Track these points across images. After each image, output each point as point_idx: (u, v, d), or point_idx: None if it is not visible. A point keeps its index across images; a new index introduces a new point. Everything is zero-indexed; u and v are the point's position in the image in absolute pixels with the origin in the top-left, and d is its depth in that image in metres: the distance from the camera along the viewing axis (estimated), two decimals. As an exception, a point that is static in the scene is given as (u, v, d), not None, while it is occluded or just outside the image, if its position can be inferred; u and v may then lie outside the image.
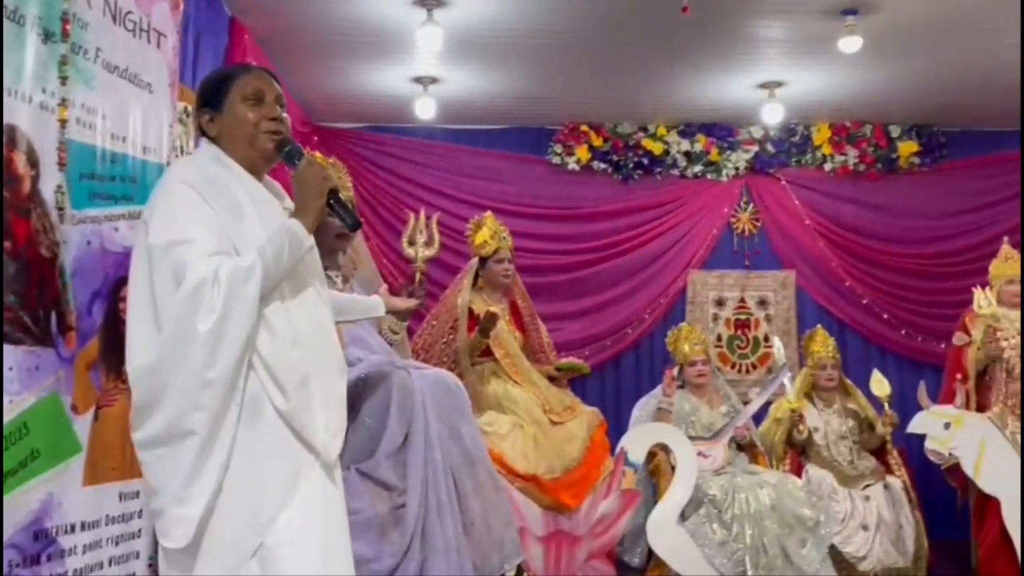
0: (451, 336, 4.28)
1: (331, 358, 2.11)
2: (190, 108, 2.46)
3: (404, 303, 2.87)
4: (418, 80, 5.71)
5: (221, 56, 4.44)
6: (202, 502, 1.87)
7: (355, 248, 3.44)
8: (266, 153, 2.12)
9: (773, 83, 5.77)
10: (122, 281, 2.29)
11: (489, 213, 4.59)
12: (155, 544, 1.92)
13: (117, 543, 2.44)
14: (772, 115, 5.95)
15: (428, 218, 3.92)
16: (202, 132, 2.15)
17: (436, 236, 3.80)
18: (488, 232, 4.44)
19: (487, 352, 4.25)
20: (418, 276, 3.51)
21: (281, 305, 2.00)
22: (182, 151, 2.84)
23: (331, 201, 2.05)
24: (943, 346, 6.35)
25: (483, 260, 4.44)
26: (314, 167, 2.08)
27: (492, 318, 4.09)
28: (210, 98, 2.14)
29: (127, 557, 2.48)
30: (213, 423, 1.88)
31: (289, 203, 2.15)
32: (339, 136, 6.52)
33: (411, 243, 3.79)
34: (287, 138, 2.13)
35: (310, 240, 2.03)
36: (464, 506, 2.91)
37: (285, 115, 2.13)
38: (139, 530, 2.51)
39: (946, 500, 6.09)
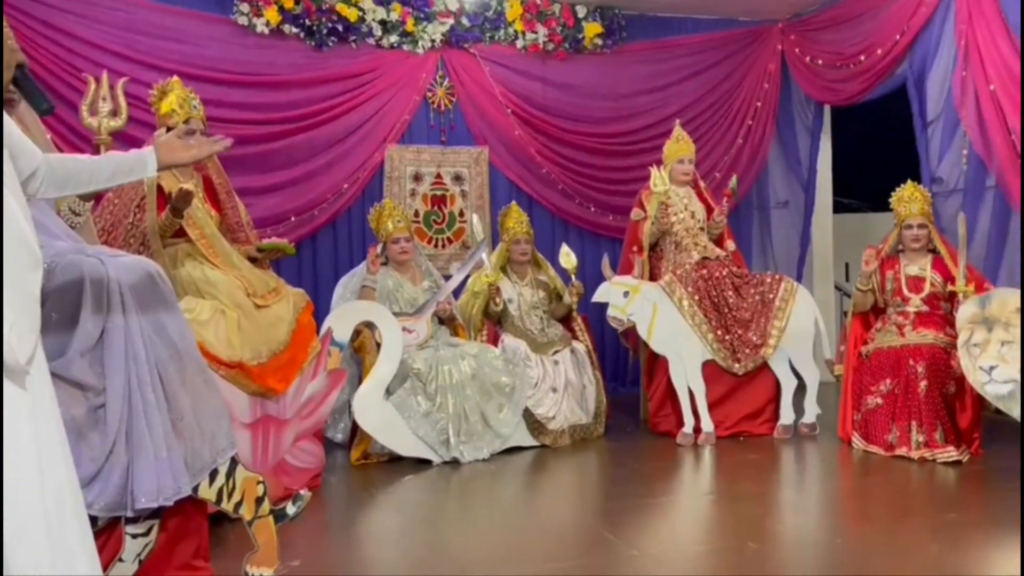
0: (138, 216, 3.88)
1: (16, 248, 1.84)
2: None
3: (190, 152, 2.40)
4: (79, -82, 4.97)
5: None
6: None
7: (21, 117, 2.95)
8: None
9: (472, -46, 5.70)
10: None
11: (175, 78, 4.14)
12: None
13: None
14: (471, -12, 5.90)
15: (112, 84, 3.46)
16: None
17: (123, 105, 3.36)
18: (176, 100, 4.02)
19: (180, 232, 3.92)
20: (103, 150, 3.10)
21: None
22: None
23: (18, 78, 1.74)
24: (610, 218, 6.89)
25: (170, 130, 4.02)
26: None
27: (186, 196, 3.76)
28: None
29: None
30: None
31: None
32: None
33: (92, 112, 3.33)
34: None
35: None
36: (172, 402, 2.70)
37: None
38: None
39: (619, 360, 6.75)
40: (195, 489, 2.80)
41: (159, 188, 3.90)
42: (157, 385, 2.67)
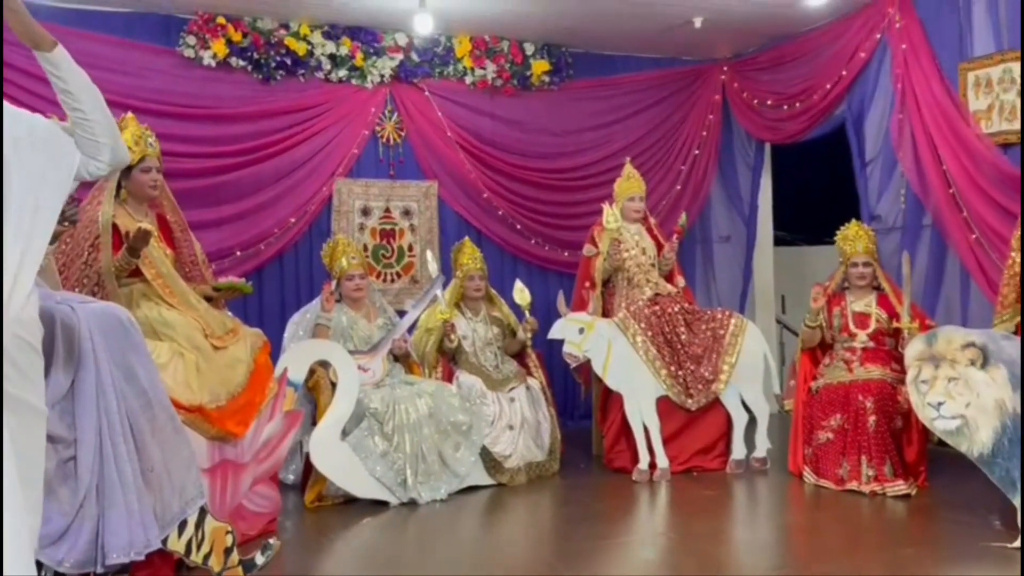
0: (92, 255, 3.76)
1: None
2: None
3: None
4: (22, -54, 4.83)
5: None
6: None
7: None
8: None
9: (423, -9, 5.72)
10: None
11: (131, 115, 4.05)
12: None
13: None
14: (423, 25, 5.91)
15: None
16: None
17: (88, 145, 3.27)
18: (131, 137, 3.92)
19: (135, 272, 3.82)
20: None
21: None
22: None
23: None
24: (566, 254, 6.93)
25: (126, 168, 3.92)
26: None
27: (144, 236, 3.66)
28: None
29: None
30: None
31: None
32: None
33: (56, 153, 3.24)
34: None
35: None
36: (142, 453, 2.63)
37: None
38: None
39: (568, 393, 6.75)
40: (164, 541, 2.72)
41: (114, 227, 3.79)
42: (128, 435, 2.60)
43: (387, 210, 6.60)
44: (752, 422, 5.42)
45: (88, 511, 2.47)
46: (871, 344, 5.02)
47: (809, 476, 4.93)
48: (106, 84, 5.65)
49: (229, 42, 6.05)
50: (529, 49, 6.88)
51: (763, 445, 5.40)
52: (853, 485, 4.70)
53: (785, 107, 6.69)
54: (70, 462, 2.47)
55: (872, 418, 4.69)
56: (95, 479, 2.48)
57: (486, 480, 5.11)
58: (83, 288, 3.68)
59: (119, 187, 3.92)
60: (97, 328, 2.53)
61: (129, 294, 3.81)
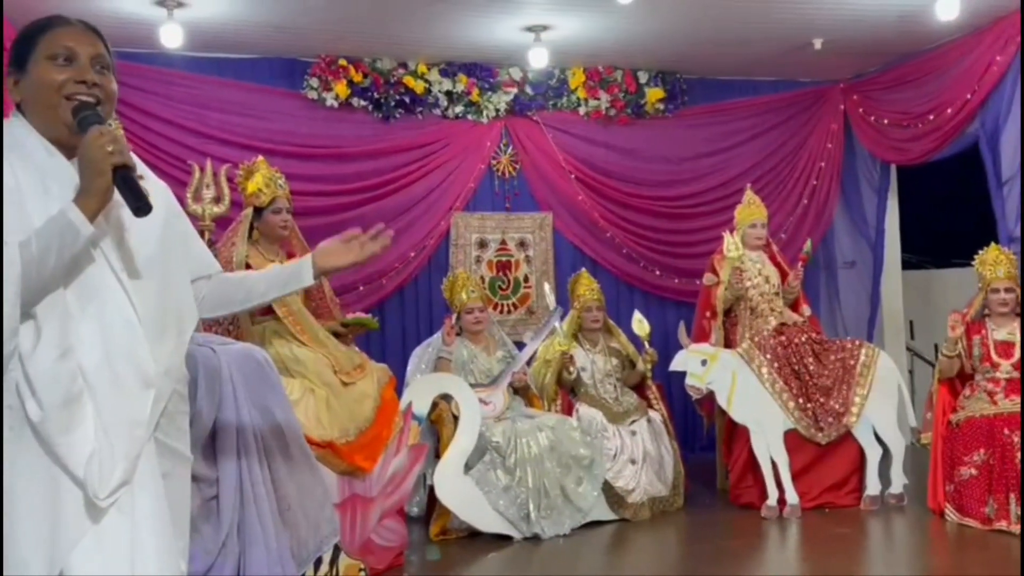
0: (227, 294, 3.90)
1: (129, 370, 1.72)
2: None
3: (349, 255, 2.02)
4: (161, 2, 5.10)
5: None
6: None
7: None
8: (68, 123, 1.73)
9: (539, 27, 5.75)
10: None
11: (261, 158, 4.20)
12: None
13: None
14: (538, 59, 5.94)
15: (215, 171, 3.51)
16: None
17: (226, 191, 3.41)
18: (262, 179, 4.06)
19: (268, 310, 3.94)
20: (206, 236, 3.14)
21: (59, 305, 1.65)
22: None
23: (118, 180, 1.66)
24: (676, 281, 6.82)
25: (258, 210, 4.07)
26: (102, 138, 1.64)
27: (276, 275, 3.78)
28: (16, 56, 1.77)
29: None
30: None
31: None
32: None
33: (197, 199, 3.38)
34: (84, 103, 1.73)
35: (88, 229, 1.63)
36: (280, 491, 2.69)
37: (105, 79, 1.76)
38: None
39: (688, 424, 6.61)
40: (300, 579, 2.77)
41: (248, 267, 3.92)
42: (266, 474, 2.66)
43: (503, 242, 6.65)
44: (886, 456, 5.18)
45: (230, 549, 2.54)
46: (1016, 374, 4.74)
47: (951, 514, 4.67)
48: (236, 127, 6.03)
49: (350, 83, 6.23)
50: (643, 77, 6.84)
51: (899, 480, 5.15)
52: (1001, 525, 4.42)
53: (912, 127, 6.43)
54: (212, 501, 2.55)
55: (1020, 454, 4.42)
56: (236, 517, 2.55)
57: (609, 515, 5.03)
58: (219, 326, 3.82)
59: (251, 228, 4.06)
60: (237, 370, 2.62)
61: (262, 331, 3.94)
